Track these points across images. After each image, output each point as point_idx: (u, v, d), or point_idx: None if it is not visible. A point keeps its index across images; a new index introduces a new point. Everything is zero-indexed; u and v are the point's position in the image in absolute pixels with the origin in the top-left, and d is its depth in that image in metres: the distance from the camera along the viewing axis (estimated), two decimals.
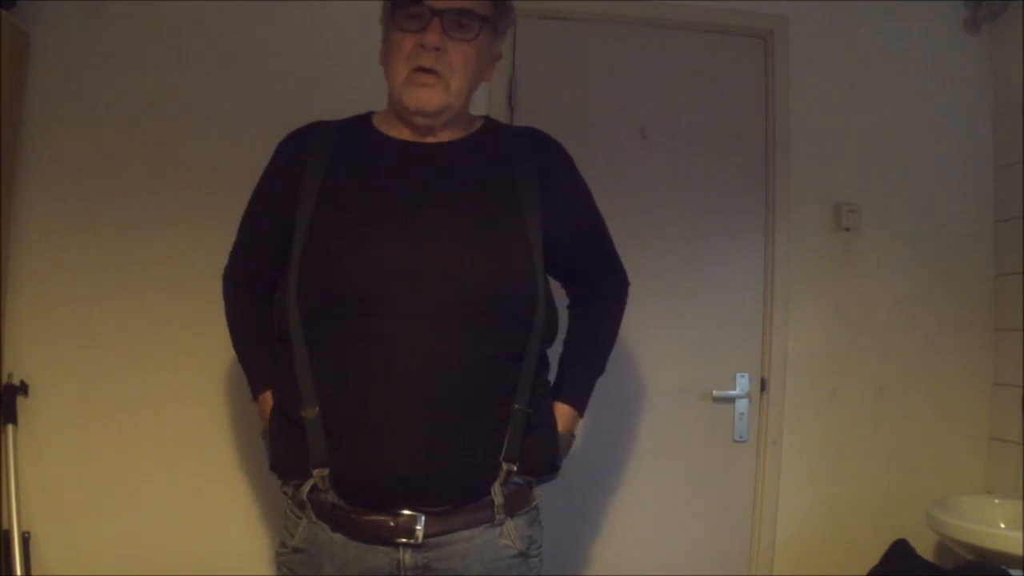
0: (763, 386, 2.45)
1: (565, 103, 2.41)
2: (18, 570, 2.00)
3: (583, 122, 2.42)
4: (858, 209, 2.49)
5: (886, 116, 2.54)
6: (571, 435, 1.47)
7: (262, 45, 2.25)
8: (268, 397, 1.41)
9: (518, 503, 1.32)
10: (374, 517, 1.23)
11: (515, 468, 1.28)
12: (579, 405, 1.48)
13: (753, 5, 2.47)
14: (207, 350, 2.15)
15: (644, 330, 2.37)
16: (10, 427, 2.06)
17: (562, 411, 1.45)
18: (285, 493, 1.35)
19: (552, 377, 1.46)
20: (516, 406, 1.28)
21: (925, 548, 2.27)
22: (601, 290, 1.55)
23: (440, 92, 1.30)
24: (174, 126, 2.20)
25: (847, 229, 2.48)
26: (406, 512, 1.23)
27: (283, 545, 1.33)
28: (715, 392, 2.42)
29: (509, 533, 1.30)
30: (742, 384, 2.44)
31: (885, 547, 2.20)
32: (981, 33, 2.58)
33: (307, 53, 2.27)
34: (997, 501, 2.26)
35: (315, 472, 1.24)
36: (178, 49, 2.22)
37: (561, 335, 1.49)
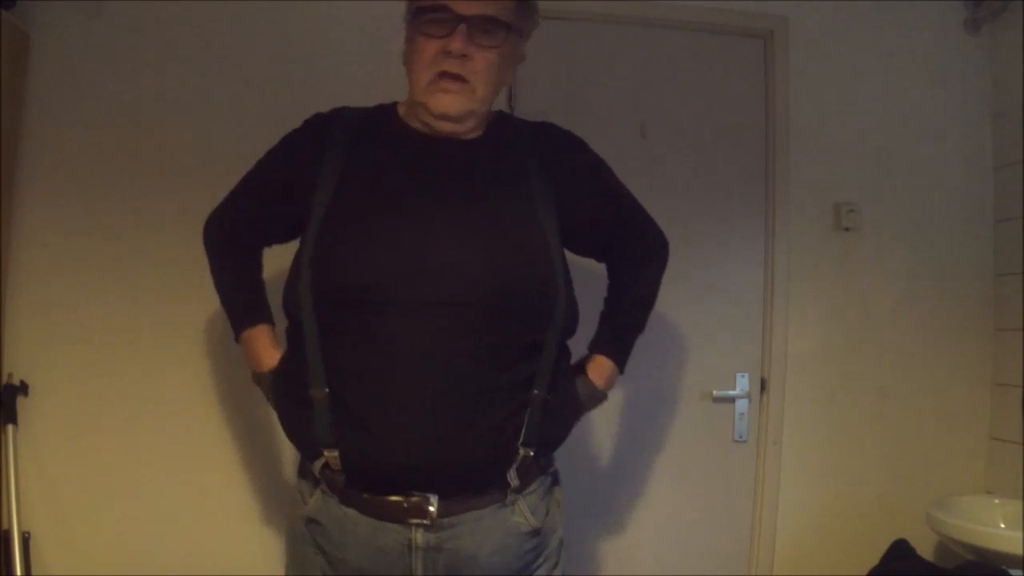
0: (763, 386, 2.45)
1: (565, 103, 2.41)
2: (18, 570, 2.00)
3: (583, 122, 2.37)
4: (858, 209, 2.49)
5: (886, 116, 2.54)
6: (604, 394, 1.47)
7: (262, 45, 2.25)
8: (256, 334, 1.42)
9: (530, 477, 1.32)
10: (386, 498, 1.24)
11: (532, 453, 1.28)
12: (620, 360, 1.49)
13: (753, 5, 2.47)
14: (207, 350, 2.15)
15: (644, 330, 2.36)
16: (10, 427, 2.06)
17: (601, 363, 1.46)
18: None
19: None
20: (535, 391, 1.28)
21: (925, 548, 2.27)
22: (637, 250, 1.54)
23: (465, 98, 1.29)
24: (174, 126, 2.20)
25: (847, 229, 2.48)
26: (418, 493, 1.24)
27: (300, 502, 1.34)
28: (715, 392, 2.42)
29: (522, 510, 1.30)
30: (742, 384, 2.44)
31: (885, 547, 2.20)
32: (981, 33, 2.59)
33: (308, 53, 2.26)
34: (997, 501, 2.26)
35: (325, 453, 1.25)
36: (178, 49, 2.22)
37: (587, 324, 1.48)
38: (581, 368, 1.46)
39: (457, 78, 1.28)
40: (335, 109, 1.42)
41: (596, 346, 1.48)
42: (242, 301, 1.47)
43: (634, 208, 1.54)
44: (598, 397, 1.47)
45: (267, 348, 1.41)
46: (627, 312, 1.53)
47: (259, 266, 1.51)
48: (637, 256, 1.54)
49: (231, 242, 1.49)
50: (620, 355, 1.50)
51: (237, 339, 1.46)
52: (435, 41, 1.28)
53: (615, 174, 1.51)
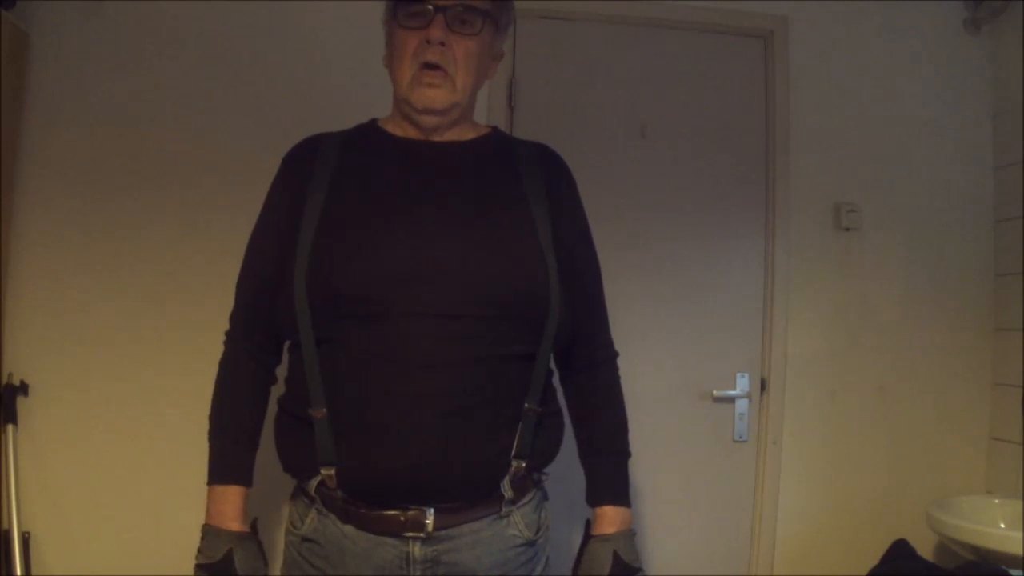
0: (763, 386, 2.45)
1: (565, 103, 2.41)
2: (18, 570, 2.00)
3: (583, 122, 2.42)
4: (858, 209, 2.49)
5: (886, 116, 2.54)
6: (631, 530, 1.39)
7: (262, 45, 2.25)
8: (226, 493, 1.31)
9: (524, 489, 1.32)
10: (383, 512, 1.24)
11: (524, 465, 1.29)
12: (627, 501, 1.40)
13: (753, 5, 2.47)
14: (207, 349, 2.14)
15: (644, 330, 2.37)
16: (10, 427, 2.06)
17: (612, 514, 1.37)
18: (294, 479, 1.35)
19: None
20: (527, 405, 1.28)
21: (925, 548, 2.27)
22: (597, 358, 1.43)
23: (447, 91, 1.31)
24: (174, 126, 2.21)
25: (847, 229, 2.48)
26: (415, 507, 1.23)
27: (293, 527, 1.33)
28: (715, 392, 2.42)
29: (517, 523, 1.30)
30: (742, 384, 2.44)
31: (885, 547, 2.20)
32: (981, 33, 2.58)
33: (307, 53, 2.27)
34: (997, 501, 2.26)
35: (323, 471, 1.24)
36: (178, 49, 2.22)
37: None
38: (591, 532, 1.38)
39: (437, 68, 1.29)
40: (312, 136, 1.41)
41: (599, 497, 1.38)
42: (231, 452, 1.34)
43: (602, 297, 1.45)
44: (629, 540, 1.38)
45: (233, 512, 1.31)
46: (615, 446, 1.43)
47: (264, 397, 1.39)
48: (599, 365, 1.43)
49: (254, 356, 1.37)
50: (626, 498, 1.39)
51: (209, 484, 1.34)
52: (415, 33, 1.30)
53: (595, 248, 1.46)
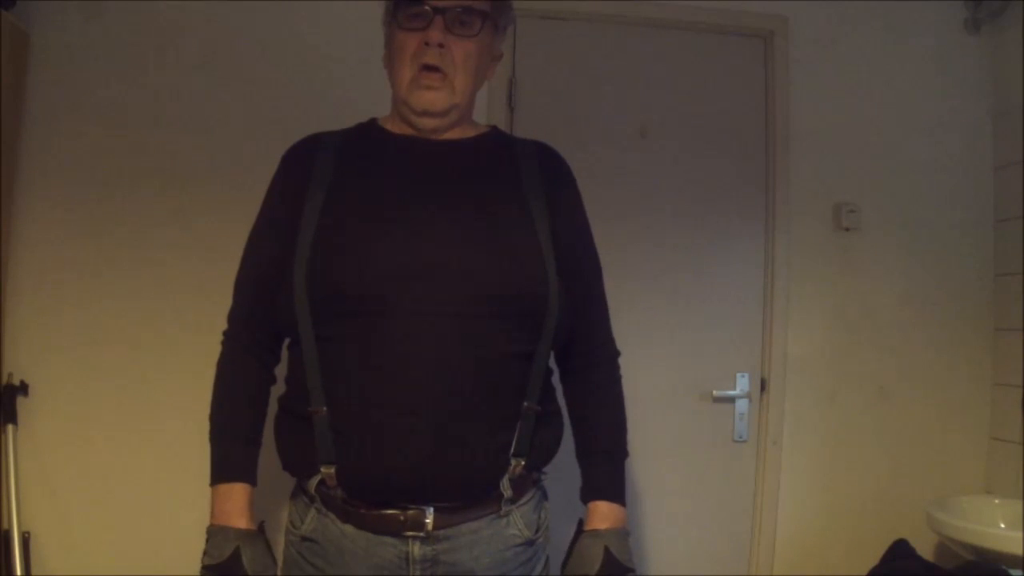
0: (763, 386, 2.45)
1: (565, 103, 2.42)
2: (18, 570, 2.00)
3: (583, 122, 2.42)
4: (858, 209, 2.49)
5: (886, 116, 2.54)
6: (625, 529, 1.37)
7: (262, 45, 2.26)
8: (230, 491, 1.29)
9: (524, 488, 1.32)
10: (383, 512, 1.24)
11: (523, 463, 1.29)
12: (622, 500, 1.38)
13: (753, 5, 2.47)
14: (207, 349, 2.14)
15: (644, 330, 2.37)
16: (10, 427, 2.06)
17: (605, 510, 1.35)
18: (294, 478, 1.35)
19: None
20: (526, 404, 1.28)
21: (925, 548, 2.27)
22: (598, 356, 1.42)
23: (446, 93, 1.31)
24: (174, 126, 2.21)
25: (847, 229, 2.49)
26: (414, 506, 1.23)
27: (292, 526, 1.33)
28: (715, 392, 2.42)
29: (516, 522, 1.31)
30: (742, 384, 2.44)
31: (885, 547, 2.20)
32: (981, 33, 2.59)
33: (307, 54, 2.27)
34: (997, 501, 2.26)
35: (322, 470, 1.24)
36: (178, 50, 2.22)
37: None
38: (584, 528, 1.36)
39: (435, 70, 1.29)
40: (311, 135, 1.40)
41: (594, 493, 1.36)
42: (232, 450, 1.32)
43: (603, 297, 1.45)
44: (623, 538, 1.35)
45: (238, 510, 1.29)
46: (613, 445, 1.40)
47: (265, 396, 1.37)
48: (599, 364, 1.42)
49: (254, 353, 1.35)
50: (622, 496, 1.38)
51: (212, 484, 1.31)
52: (414, 34, 1.30)
53: (596, 246, 1.46)
